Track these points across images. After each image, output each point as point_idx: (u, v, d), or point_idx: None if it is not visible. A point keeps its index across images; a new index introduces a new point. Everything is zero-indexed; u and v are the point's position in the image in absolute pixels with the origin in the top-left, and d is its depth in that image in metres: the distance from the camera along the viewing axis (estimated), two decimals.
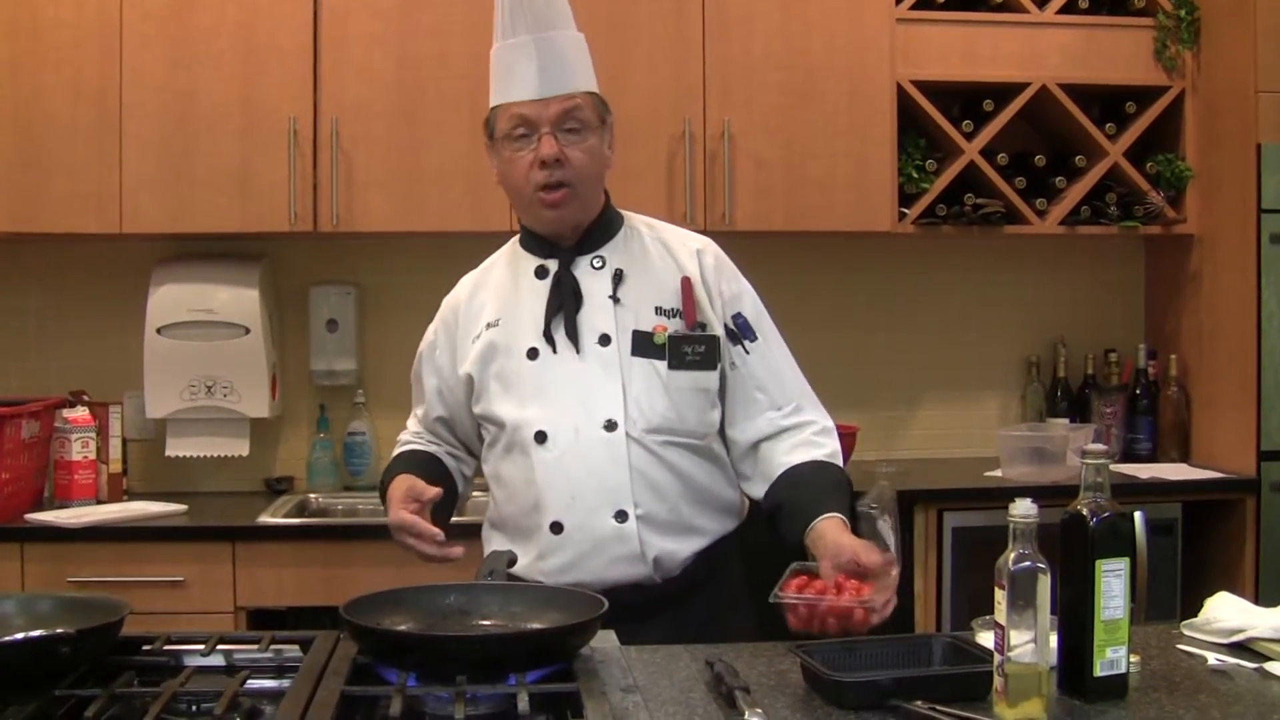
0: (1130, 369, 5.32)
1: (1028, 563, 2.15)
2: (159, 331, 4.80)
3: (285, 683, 2.28)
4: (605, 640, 2.53)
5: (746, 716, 2.11)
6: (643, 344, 2.98)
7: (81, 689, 2.16)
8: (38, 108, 4.62)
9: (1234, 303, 4.92)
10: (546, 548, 2.94)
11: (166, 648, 2.42)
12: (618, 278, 3.02)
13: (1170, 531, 4.76)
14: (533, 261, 3.08)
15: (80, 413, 4.63)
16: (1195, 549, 4.84)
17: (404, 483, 2.97)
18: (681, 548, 2.98)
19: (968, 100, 5.10)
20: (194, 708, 2.16)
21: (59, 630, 2.26)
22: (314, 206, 4.69)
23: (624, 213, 3.14)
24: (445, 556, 2.81)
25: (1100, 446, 2.34)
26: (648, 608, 2.89)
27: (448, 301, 3.24)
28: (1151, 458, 5.22)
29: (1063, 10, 5.05)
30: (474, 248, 5.08)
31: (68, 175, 4.62)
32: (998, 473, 4.91)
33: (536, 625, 2.39)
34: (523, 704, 2.06)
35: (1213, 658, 2.51)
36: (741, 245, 5.16)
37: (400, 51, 4.72)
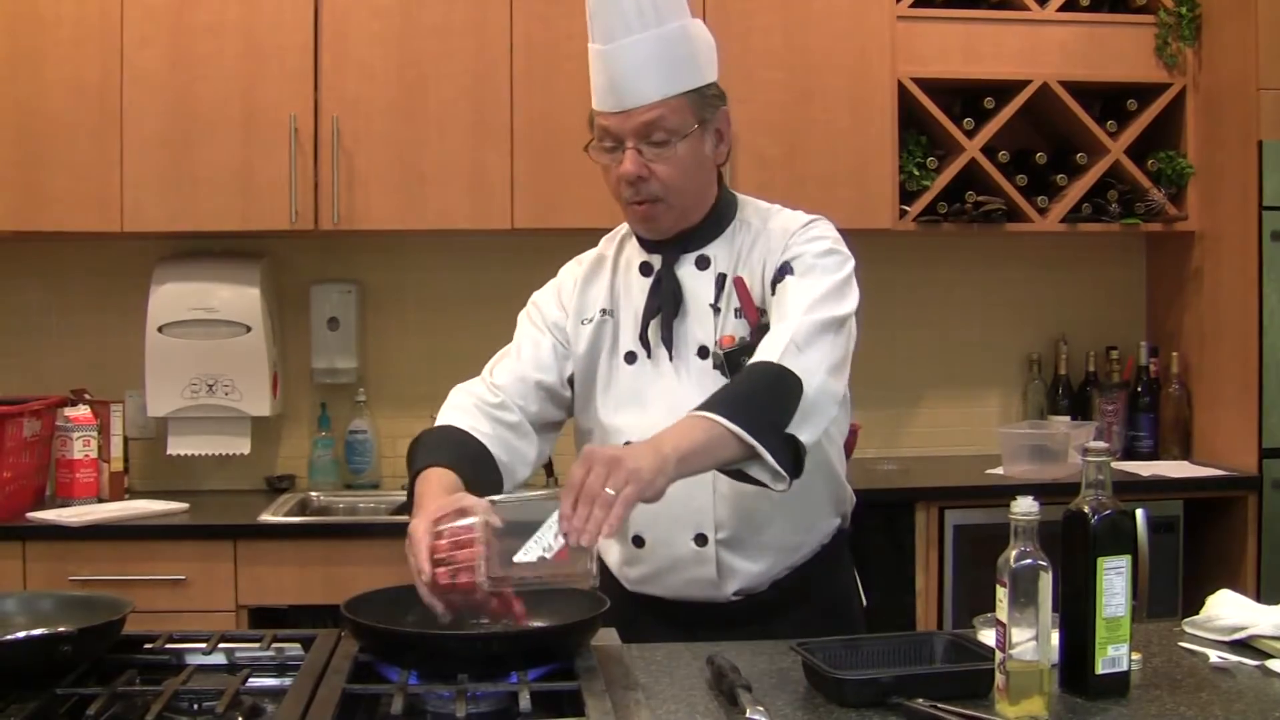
0: (1131, 366, 5.32)
1: (1029, 560, 2.15)
2: (160, 330, 4.80)
3: (287, 681, 2.28)
4: (607, 638, 2.53)
5: (748, 714, 2.11)
6: (722, 355, 2.82)
7: (83, 687, 2.16)
8: (39, 106, 4.62)
9: (1235, 300, 4.92)
10: (630, 557, 2.91)
11: (168, 646, 2.43)
12: (720, 283, 2.86)
13: (1172, 529, 4.76)
14: (641, 255, 2.94)
15: (82, 411, 4.64)
16: (1197, 546, 4.84)
17: (445, 490, 2.62)
18: (768, 568, 2.87)
19: (969, 98, 5.10)
20: (195, 706, 2.17)
21: (60, 629, 2.27)
22: (315, 205, 4.69)
23: (740, 199, 2.97)
24: (430, 605, 2.39)
25: (1101, 444, 2.34)
26: (728, 623, 2.83)
27: (561, 275, 3.07)
28: (1153, 455, 5.22)
29: (1064, 8, 5.05)
30: (475, 246, 5.13)
31: (69, 174, 4.62)
32: (999, 470, 4.91)
33: (538, 623, 2.38)
34: (524, 702, 2.06)
35: (1214, 655, 2.51)
36: None
37: (401, 50, 4.72)
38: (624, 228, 3.03)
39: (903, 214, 4.98)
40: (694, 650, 2.57)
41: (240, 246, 4.99)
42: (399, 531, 4.44)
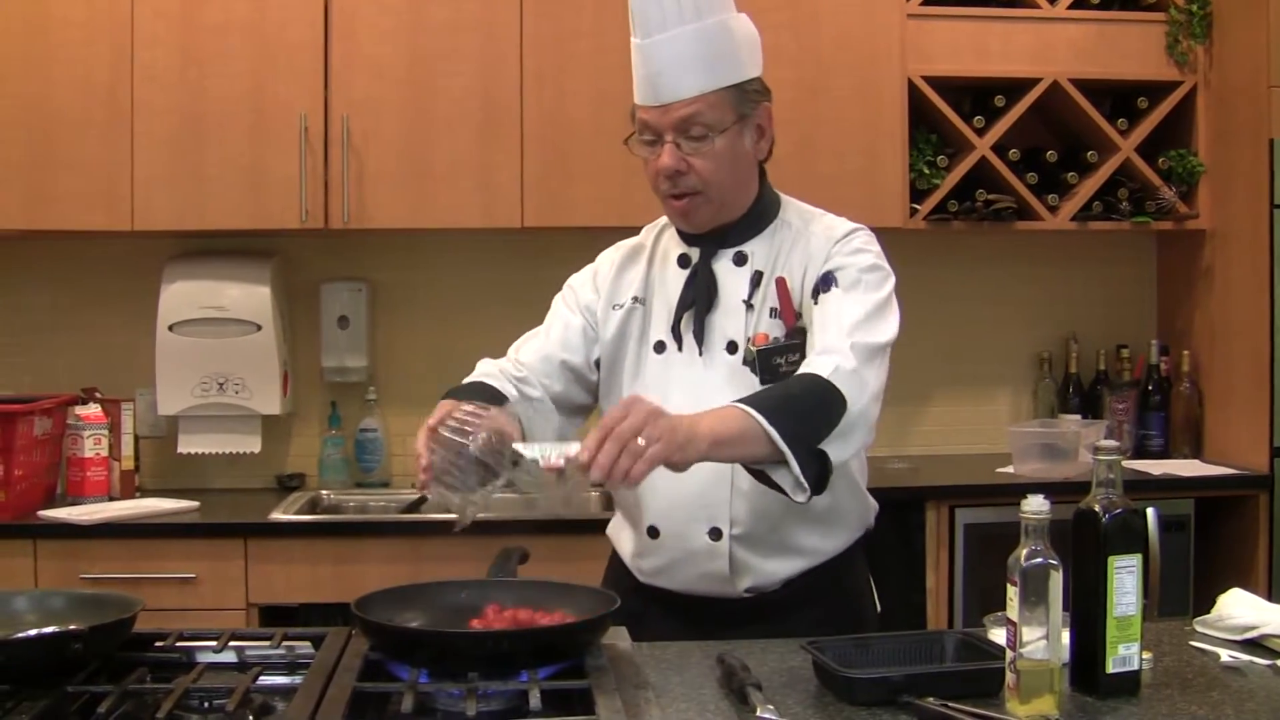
0: (1142, 365, 5.31)
1: (1040, 559, 2.15)
2: (170, 328, 4.81)
3: (297, 679, 2.29)
4: (617, 637, 2.53)
5: (758, 712, 2.12)
6: (746, 356, 2.84)
7: (94, 685, 2.17)
8: (49, 105, 4.62)
9: (1246, 298, 4.91)
10: (643, 548, 2.91)
11: (178, 644, 2.43)
12: (756, 280, 2.87)
13: (1183, 528, 4.75)
14: (679, 247, 2.95)
15: (92, 410, 4.64)
16: (1208, 545, 4.84)
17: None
18: (781, 567, 2.87)
19: (979, 96, 5.09)
20: (206, 704, 2.17)
21: (71, 627, 2.27)
22: (325, 203, 4.69)
23: (783, 199, 3.00)
24: (422, 488, 2.56)
25: (1112, 443, 2.34)
26: (737, 621, 2.83)
27: (599, 260, 3.08)
28: (1164, 454, 5.21)
29: (1074, 5, 5.04)
30: (484, 244, 5.14)
31: (79, 172, 4.63)
32: (1009, 469, 4.91)
33: (548, 622, 2.38)
34: (534, 700, 2.06)
35: (1225, 654, 2.51)
36: None
37: (411, 48, 4.72)
38: (661, 225, 3.05)
39: (913, 212, 4.97)
40: (704, 649, 2.56)
41: (250, 245, 4.99)
42: (410, 530, 4.51)
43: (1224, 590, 2.78)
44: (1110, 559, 2.26)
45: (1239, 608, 2.67)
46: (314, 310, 5.11)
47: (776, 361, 2.80)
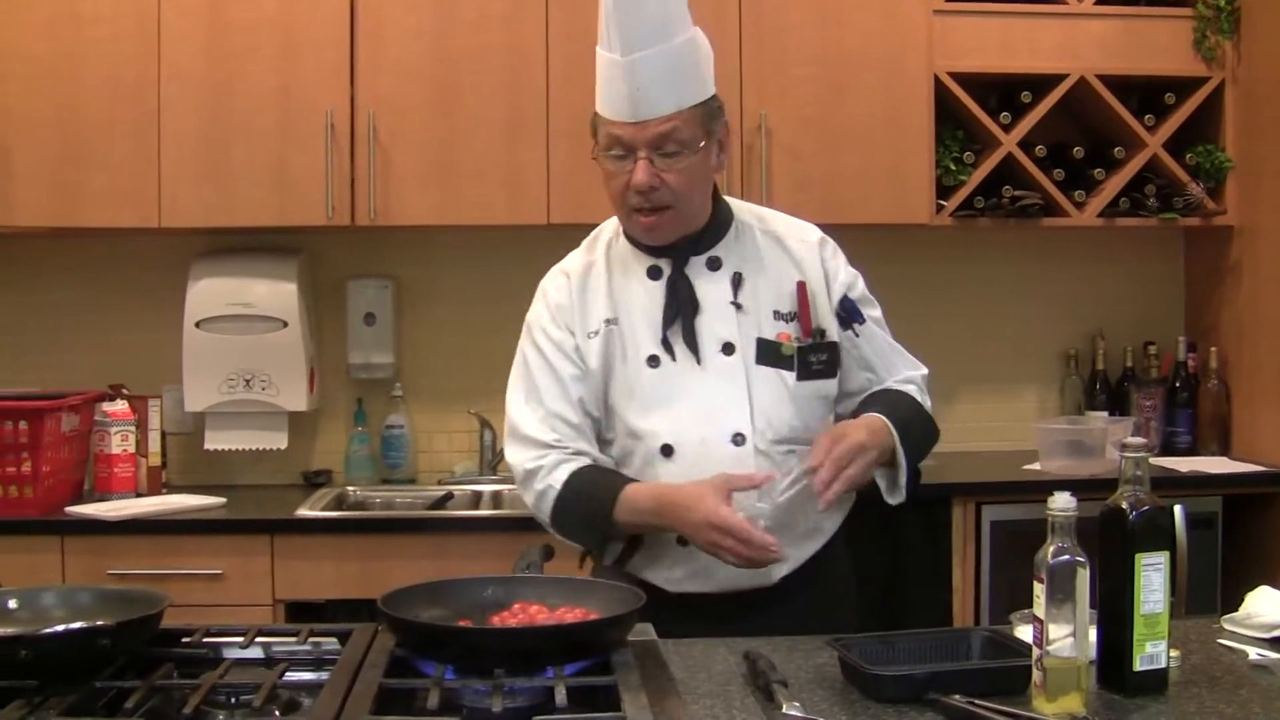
0: (1169, 361, 5.29)
1: (1066, 556, 2.15)
2: (197, 325, 4.82)
3: (323, 675, 2.29)
4: (643, 633, 2.52)
5: (784, 709, 2.12)
6: (768, 353, 2.92)
7: (121, 680, 2.17)
8: (77, 104, 4.64)
9: (1274, 294, 4.89)
10: (674, 558, 2.90)
11: (205, 640, 2.44)
12: (736, 281, 2.95)
13: (1210, 525, 4.73)
14: (644, 260, 2.97)
15: (119, 406, 4.66)
16: (1235, 542, 4.81)
17: (660, 488, 2.81)
18: (803, 551, 2.95)
19: (1005, 92, 5.07)
20: (233, 699, 2.17)
21: (99, 622, 2.27)
22: (351, 200, 4.70)
23: (732, 204, 3.05)
24: (770, 559, 2.72)
25: (1139, 440, 2.33)
26: (763, 607, 2.87)
27: (551, 294, 3.05)
28: (1191, 451, 5.19)
29: (1101, 1, 5.02)
30: (510, 241, 5.14)
31: (107, 170, 4.64)
32: (1036, 466, 4.90)
33: (574, 618, 2.37)
34: (560, 697, 2.05)
35: (1254, 652, 2.50)
36: None
37: (437, 45, 4.73)
38: (603, 232, 3.09)
39: (939, 209, 4.96)
40: (730, 645, 2.57)
41: (277, 242, 5.00)
42: (435, 526, 4.52)
43: (1252, 588, 2.77)
44: (1138, 556, 2.25)
45: (1267, 605, 2.66)
46: (340, 307, 5.12)
47: (811, 359, 2.92)
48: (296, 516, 4.48)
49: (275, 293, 4.85)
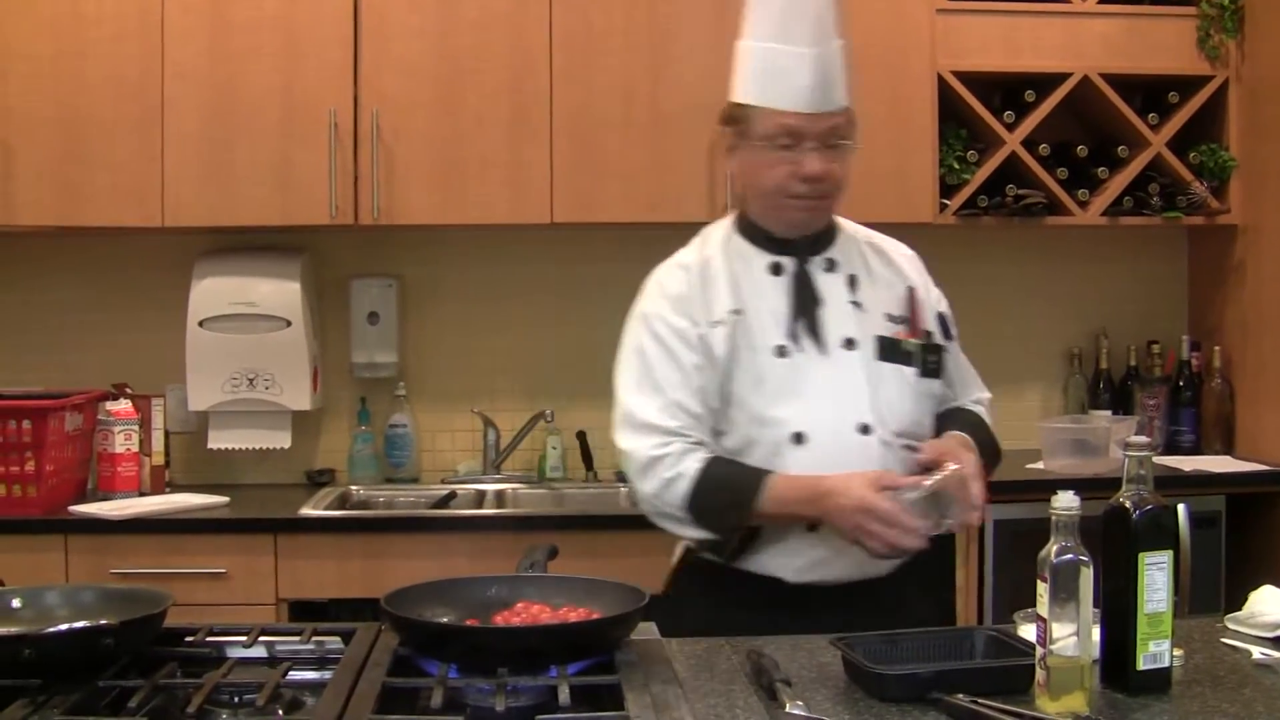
0: (1173, 360, 5.29)
1: (1070, 555, 2.15)
2: (201, 324, 4.82)
3: (327, 674, 2.29)
4: (647, 632, 2.53)
5: (787, 709, 2.12)
6: (889, 349, 2.99)
7: (125, 680, 2.17)
8: (80, 103, 4.64)
9: (1278, 293, 4.88)
10: (797, 548, 2.91)
11: (209, 639, 2.44)
12: (852, 282, 3.04)
13: (1214, 524, 4.73)
14: (765, 257, 3.02)
15: (123, 405, 4.66)
16: (1239, 542, 4.81)
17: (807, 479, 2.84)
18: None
19: (1009, 91, 5.06)
20: (236, 699, 2.18)
21: (102, 621, 2.28)
22: (354, 199, 4.70)
23: (834, 217, 3.14)
24: (915, 546, 2.78)
25: (1143, 439, 2.34)
26: (873, 595, 2.93)
27: (670, 286, 3.05)
28: (1195, 450, 5.18)
29: (1104, 0, 5.02)
30: (514, 240, 5.14)
31: (109, 169, 4.64)
32: (1039, 465, 4.89)
33: (577, 617, 2.38)
34: (564, 696, 2.06)
35: (1257, 652, 2.50)
36: None
37: (440, 44, 4.73)
38: (713, 231, 3.13)
39: (943, 207, 4.95)
40: (734, 644, 2.57)
41: (280, 241, 5.00)
42: (439, 525, 4.52)
43: (1255, 587, 2.77)
44: (1141, 555, 2.25)
45: (1271, 604, 2.66)
46: (344, 306, 5.12)
47: (928, 358, 3.05)
48: (300, 516, 4.48)
49: (279, 292, 4.85)
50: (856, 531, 2.74)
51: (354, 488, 5.00)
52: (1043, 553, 2.17)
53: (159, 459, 4.80)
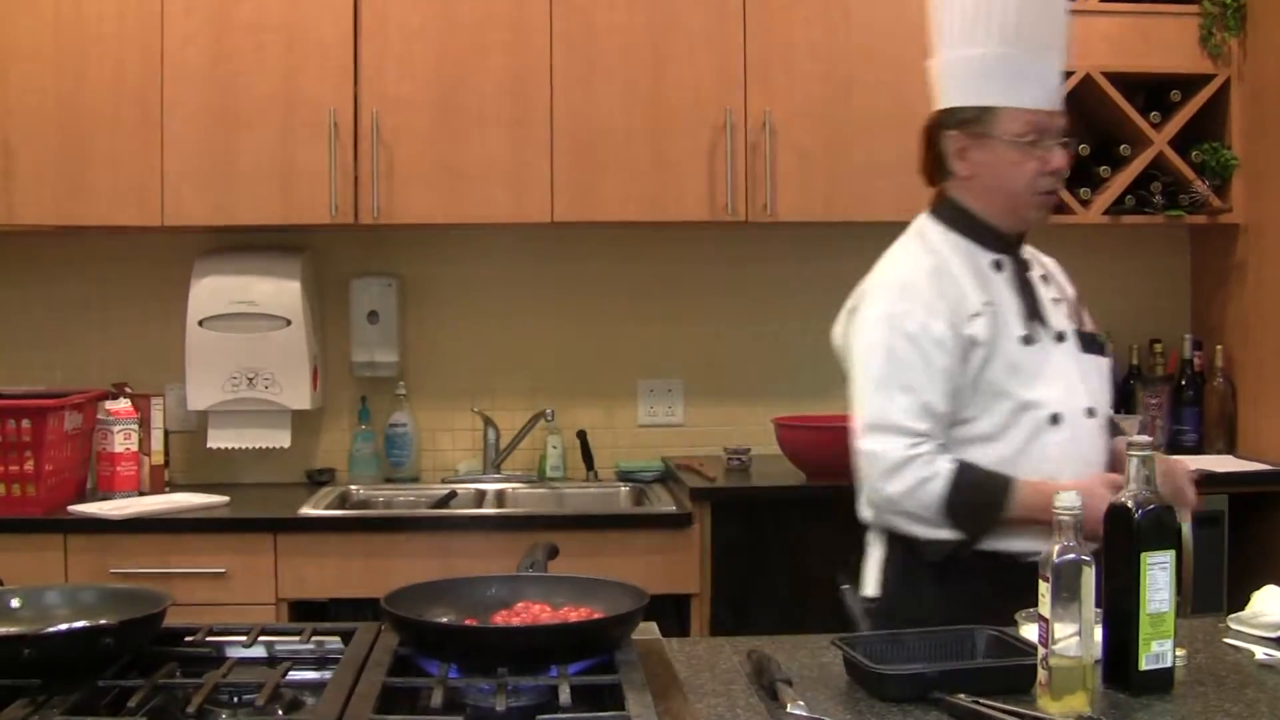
0: (1175, 360, 5.28)
1: (1072, 555, 2.14)
2: (200, 324, 4.81)
3: (327, 674, 2.28)
4: (647, 632, 2.53)
5: (788, 708, 2.12)
6: (1089, 341, 3.19)
7: (124, 680, 2.17)
8: (81, 102, 4.63)
9: None
10: (1025, 531, 2.93)
11: (208, 639, 2.44)
12: (1045, 280, 3.22)
13: (1216, 524, 4.71)
14: (986, 254, 3.12)
15: (122, 405, 4.65)
16: (1242, 541, 4.80)
17: (1081, 478, 2.93)
18: None
19: None
20: (236, 699, 2.17)
21: (102, 621, 2.28)
22: (355, 199, 4.69)
23: None
24: None
25: (1145, 438, 2.34)
26: None
27: (919, 288, 3.06)
28: (1197, 449, 5.17)
29: None
30: (514, 239, 5.14)
31: (110, 169, 4.63)
32: None
33: (578, 617, 2.38)
34: (564, 696, 2.05)
35: (1260, 652, 2.50)
36: (783, 236, 5.19)
37: (441, 44, 4.72)
38: (925, 233, 3.21)
39: None
40: (734, 644, 2.57)
41: (281, 240, 5.00)
42: (439, 525, 4.53)
43: (1258, 587, 2.76)
44: (1143, 555, 2.25)
45: (1273, 604, 2.66)
46: (344, 305, 5.11)
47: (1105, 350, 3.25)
48: (300, 515, 4.47)
49: (279, 291, 4.84)
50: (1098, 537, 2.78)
51: (354, 487, 4.99)
52: (1045, 552, 2.16)
53: (158, 458, 4.79)
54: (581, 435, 5.11)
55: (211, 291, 4.83)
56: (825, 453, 4.60)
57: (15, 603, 2.43)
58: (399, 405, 5.11)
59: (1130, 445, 2.32)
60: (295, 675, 2.30)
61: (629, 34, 4.73)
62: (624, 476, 5.04)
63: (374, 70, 4.70)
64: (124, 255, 5.10)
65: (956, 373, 2.98)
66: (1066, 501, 2.17)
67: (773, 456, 4.82)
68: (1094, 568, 2.15)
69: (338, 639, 2.46)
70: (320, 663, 2.37)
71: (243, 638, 2.43)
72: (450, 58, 4.72)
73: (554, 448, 5.09)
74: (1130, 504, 2.27)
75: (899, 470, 2.92)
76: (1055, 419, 2.99)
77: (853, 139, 4.82)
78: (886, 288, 3.12)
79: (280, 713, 2.12)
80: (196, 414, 4.93)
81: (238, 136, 4.67)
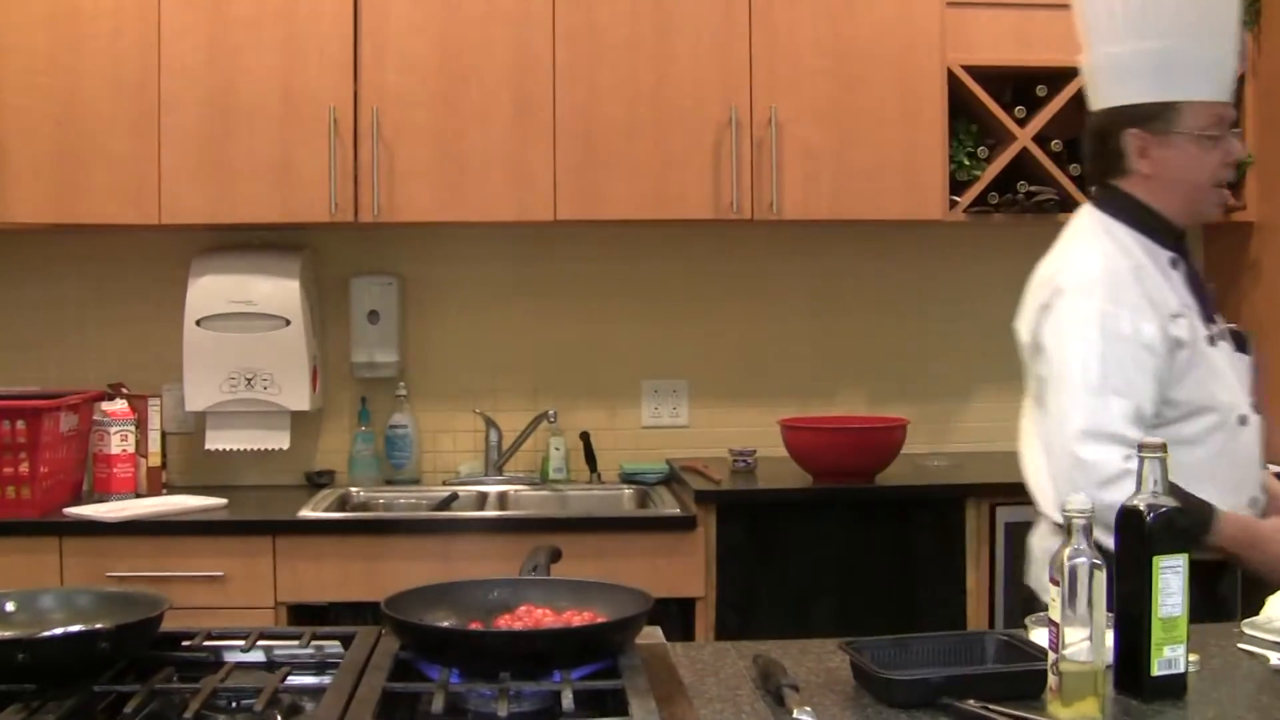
0: None
1: (1083, 558, 2.12)
2: (198, 323, 4.79)
3: (326, 679, 2.28)
4: (652, 636, 2.51)
5: (795, 714, 2.10)
6: (1239, 341, 3.18)
7: (121, 684, 2.16)
8: (77, 98, 4.61)
9: None
10: None
11: (206, 643, 2.43)
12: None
13: None
14: (1165, 251, 3.10)
15: (119, 406, 4.64)
16: None
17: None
18: None
19: (1020, 85, 5.04)
20: (234, 704, 2.17)
21: (98, 625, 2.27)
22: (354, 197, 4.67)
23: None
24: None
25: (1157, 439, 2.30)
26: None
27: (1122, 287, 3.00)
28: None
29: None
30: (517, 238, 5.12)
31: (106, 166, 4.61)
32: None
33: (581, 621, 2.36)
34: (567, 701, 2.04)
35: (1275, 657, 2.47)
36: (788, 234, 5.17)
37: (442, 39, 4.70)
38: (1111, 229, 3.12)
39: (953, 205, 4.92)
40: (740, 649, 2.56)
41: (279, 239, 4.98)
42: (440, 527, 4.51)
43: (1273, 591, 2.74)
44: (1155, 558, 2.23)
45: None
46: (344, 305, 5.09)
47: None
48: (299, 518, 4.45)
49: (277, 290, 4.82)
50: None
51: (354, 489, 4.97)
52: (1055, 555, 2.14)
53: (156, 460, 4.78)
54: (585, 436, 5.09)
55: (209, 291, 4.81)
56: (832, 454, 4.61)
57: (10, 606, 2.41)
58: (399, 406, 5.09)
59: (1143, 447, 2.29)
60: (294, 680, 2.29)
61: (633, 29, 4.72)
62: (628, 478, 5.03)
63: (374, 65, 4.68)
64: (120, 254, 5.08)
65: (1164, 376, 2.95)
66: (1076, 504, 2.14)
67: (779, 458, 4.78)
68: (1105, 571, 2.13)
69: (337, 643, 2.44)
70: (320, 667, 2.37)
71: (241, 642, 2.41)
72: (452, 53, 4.70)
73: (557, 449, 5.07)
74: (1142, 507, 2.25)
75: (1116, 482, 2.81)
76: (1243, 420, 3.04)
77: (860, 136, 4.81)
78: (1091, 285, 3.01)
79: (279, 718, 2.11)
80: (194, 415, 4.91)
81: (236, 133, 4.65)
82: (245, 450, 4.93)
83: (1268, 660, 2.46)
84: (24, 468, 4.33)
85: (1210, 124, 3.01)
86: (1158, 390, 2.93)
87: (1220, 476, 2.97)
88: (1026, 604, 3.08)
